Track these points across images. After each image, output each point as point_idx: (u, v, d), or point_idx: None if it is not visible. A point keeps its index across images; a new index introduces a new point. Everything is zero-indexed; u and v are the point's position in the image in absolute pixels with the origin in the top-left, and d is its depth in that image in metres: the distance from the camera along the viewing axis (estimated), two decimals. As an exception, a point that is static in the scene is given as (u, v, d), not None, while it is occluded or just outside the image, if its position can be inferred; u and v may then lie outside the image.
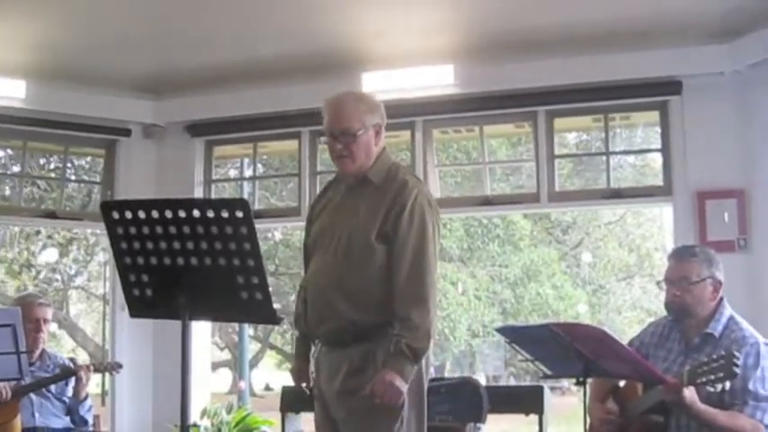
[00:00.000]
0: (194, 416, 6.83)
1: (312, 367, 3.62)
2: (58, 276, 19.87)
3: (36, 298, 5.30)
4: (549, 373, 3.97)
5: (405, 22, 6.05)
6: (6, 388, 4.76)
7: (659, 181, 6.71)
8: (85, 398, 5.21)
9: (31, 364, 4.92)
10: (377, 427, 3.36)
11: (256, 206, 8.05)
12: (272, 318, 3.01)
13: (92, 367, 5.22)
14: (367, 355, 3.37)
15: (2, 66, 6.60)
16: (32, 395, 5.03)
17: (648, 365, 3.64)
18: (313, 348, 3.66)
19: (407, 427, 3.38)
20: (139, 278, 2.97)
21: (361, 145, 3.47)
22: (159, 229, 2.84)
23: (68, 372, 5.11)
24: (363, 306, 3.38)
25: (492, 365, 20.63)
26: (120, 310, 7.19)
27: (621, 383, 4.00)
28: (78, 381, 5.13)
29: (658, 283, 3.95)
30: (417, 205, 3.40)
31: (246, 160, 9.71)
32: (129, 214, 2.87)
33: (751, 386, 3.53)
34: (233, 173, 15.50)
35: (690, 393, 3.41)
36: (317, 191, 6.08)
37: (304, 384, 3.64)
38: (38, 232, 17.99)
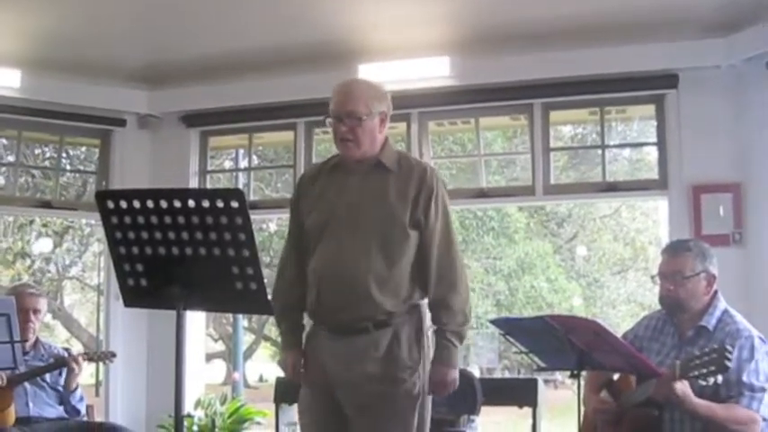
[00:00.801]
0: (188, 406, 6.84)
1: (308, 359, 3.58)
2: (53, 267, 19.85)
3: (27, 287, 5.29)
4: (543, 365, 3.98)
5: (401, 14, 6.04)
6: (1, 375, 4.76)
7: (654, 174, 6.71)
8: (76, 388, 5.20)
9: (25, 354, 4.92)
10: (403, 411, 3.43)
11: (251, 197, 8.05)
12: (266, 308, 3.01)
13: (83, 357, 5.21)
14: (391, 341, 3.42)
15: (-3, 55, 6.59)
16: (27, 384, 5.02)
17: (643, 358, 3.65)
18: (304, 338, 3.66)
19: (422, 409, 3.47)
20: (134, 268, 2.96)
21: (365, 130, 3.48)
22: (154, 219, 2.84)
23: (60, 362, 5.10)
24: (394, 293, 3.43)
25: (486, 358, 20.63)
26: (115, 300, 7.18)
27: (616, 376, 4.01)
28: (70, 371, 5.12)
29: (653, 277, 3.96)
30: (440, 191, 3.52)
31: (242, 151, 9.71)
32: (124, 204, 2.86)
33: (745, 378, 3.54)
34: (228, 164, 15.48)
35: (681, 386, 3.41)
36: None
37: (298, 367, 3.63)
38: (32, 222, 17.96)
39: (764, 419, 3.54)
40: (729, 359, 3.25)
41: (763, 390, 3.54)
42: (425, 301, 3.55)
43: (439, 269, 3.47)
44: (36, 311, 5.18)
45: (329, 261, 3.47)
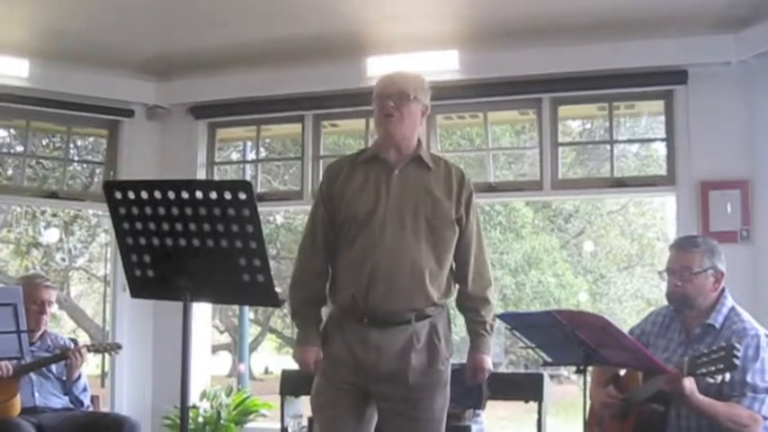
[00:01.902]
0: (194, 398, 6.85)
1: (336, 350, 3.56)
2: (60, 257, 19.86)
3: (43, 279, 5.30)
4: (549, 360, 3.98)
5: (410, 7, 6.03)
6: (8, 365, 4.77)
7: (663, 171, 6.69)
8: (78, 379, 5.20)
9: (31, 344, 4.93)
10: (440, 401, 3.57)
11: (259, 189, 8.04)
12: (273, 300, 3.00)
13: (89, 349, 5.22)
14: (430, 333, 3.53)
15: (5, 45, 6.58)
16: (33, 375, 5.04)
17: (649, 355, 3.64)
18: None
19: (448, 397, 3.63)
20: (141, 259, 2.97)
21: (411, 111, 3.56)
22: (162, 210, 2.84)
23: (62, 353, 5.10)
24: (440, 286, 3.55)
25: (491, 352, 20.62)
26: (122, 291, 7.20)
27: (623, 372, 4.00)
28: (70, 362, 5.12)
29: (660, 273, 3.94)
30: (473, 193, 3.66)
31: (249, 143, 9.72)
32: (131, 194, 2.87)
33: (749, 378, 3.52)
34: (235, 156, 15.50)
35: (689, 383, 3.40)
36: (320, 175, 6.08)
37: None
38: (43, 212, 17.97)
39: (766, 419, 3.53)
40: (738, 357, 3.24)
41: (766, 390, 3.53)
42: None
43: (477, 266, 3.63)
44: (50, 303, 5.22)
45: (380, 253, 3.45)
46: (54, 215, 18.21)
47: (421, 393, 3.51)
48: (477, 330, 3.66)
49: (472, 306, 3.65)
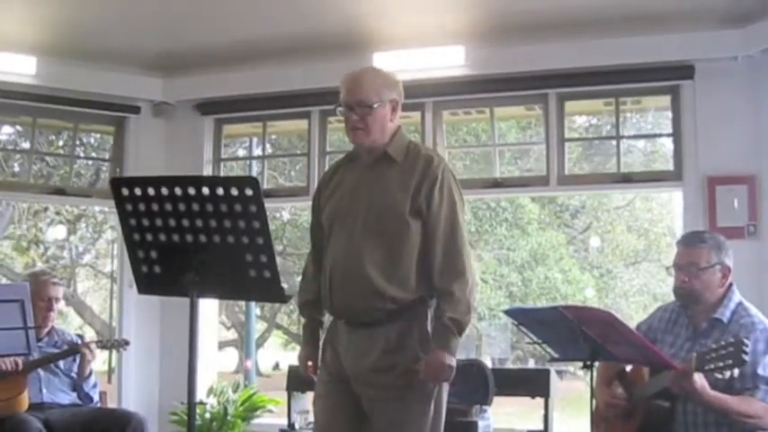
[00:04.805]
0: (201, 394, 6.86)
1: (327, 350, 3.61)
2: (66, 254, 19.90)
3: (50, 276, 5.32)
4: (556, 356, 3.97)
5: (416, 3, 6.03)
6: (17, 361, 4.79)
7: (669, 166, 6.68)
8: (89, 375, 5.23)
9: (39, 340, 4.95)
10: (417, 402, 3.42)
11: (265, 186, 8.04)
12: (280, 296, 3.01)
13: (97, 345, 5.24)
14: (403, 332, 3.42)
15: (12, 42, 6.59)
16: (40, 371, 5.06)
17: (656, 350, 3.64)
18: (322, 331, 3.70)
19: (437, 405, 3.45)
20: (148, 255, 2.97)
21: (376, 118, 3.47)
22: (168, 206, 2.85)
23: (74, 349, 5.13)
24: (402, 283, 3.41)
25: (498, 348, 20.61)
26: (128, 287, 7.21)
27: (628, 368, 4.00)
28: (82, 358, 5.15)
29: (667, 268, 3.94)
30: (446, 179, 3.46)
31: (255, 139, 9.71)
32: (138, 191, 2.88)
33: (761, 371, 3.53)
34: (242, 152, 15.52)
35: (700, 379, 3.40)
36: (327, 171, 6.07)
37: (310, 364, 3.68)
38: (46, 209, 18.00)
39: (780, 410, 3.53)
40: (746, 352, 3.24)
41: (778, 383, 3.53)
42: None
43: (444, 257, 3.42)
44: (57, 300, 5.25)
45: (337, 254, 3.48)
46: (57, 213, 18.24)
47: (393, 393, 3.40)
48: (437, 325, 3.40)
49: (438, 302, 3.44)
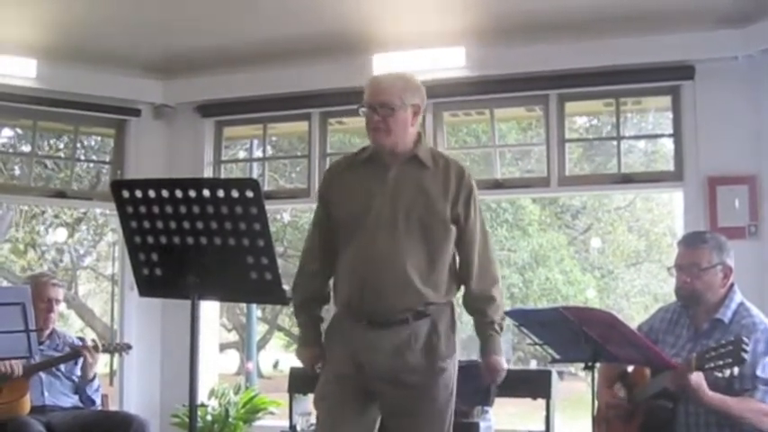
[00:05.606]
0: (202, 396, 6.86)
1: (334, 349, 3.60)
2: (67, 257, 19.90)
3: (50, 278, 5.33)
4: (557, 357, 3.97)
5: (416, 4, 6.03)
6: (18, 365, 4.79)
7: (670, 166, 6.68)
8: (93, 378, 5.23)
9: (40, 343, 4.94)
10: (443, 402, 3.54)
11: (266, 187, 8.04)
12: (281, 298, 3.01)
13: (99, 347, 5.23)
14: (430, 331, 3.50)
15: (13, 44, 6.59)
16: (42, 374, 5.05)
17: (657, 351, 3.64)
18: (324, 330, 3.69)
19: (453, 398, 3.61)
20: (149, 257, 2.97)
21: (398, 120, 3.51)
22: (169, 209, 2.85)
23: (75, 352, 5.13)
24: (435, 286, 3.50)
25: (503, 351, 20.62)
26: (129, 289, 7.22)
27: (630, 368, 4.00)
28: (84, 361, 5.15)
29: (669, 269, 3.94)
30: (476, 191, 3.62)
31: (256, 141, 9.71)
32: (139, 193, 2.88)
33: (760, 372, 3.53)
34: (242, 154, 15.52)
35: (696, 378, 3.40)
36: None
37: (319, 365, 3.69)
38: (43, 212, 18.00)
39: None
40: (746, 351, 3.24)
41: (778, 383, 3.53)
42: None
43: (481, 264, 3.59)
44: (57, 301, 5.25)
45: (371, 253, 3.47)
46: (56, 216, 18.24)
47: (420, 392, 3.48)
48: (485, 332, 3.63)
49: (478, 307, 3.62)
